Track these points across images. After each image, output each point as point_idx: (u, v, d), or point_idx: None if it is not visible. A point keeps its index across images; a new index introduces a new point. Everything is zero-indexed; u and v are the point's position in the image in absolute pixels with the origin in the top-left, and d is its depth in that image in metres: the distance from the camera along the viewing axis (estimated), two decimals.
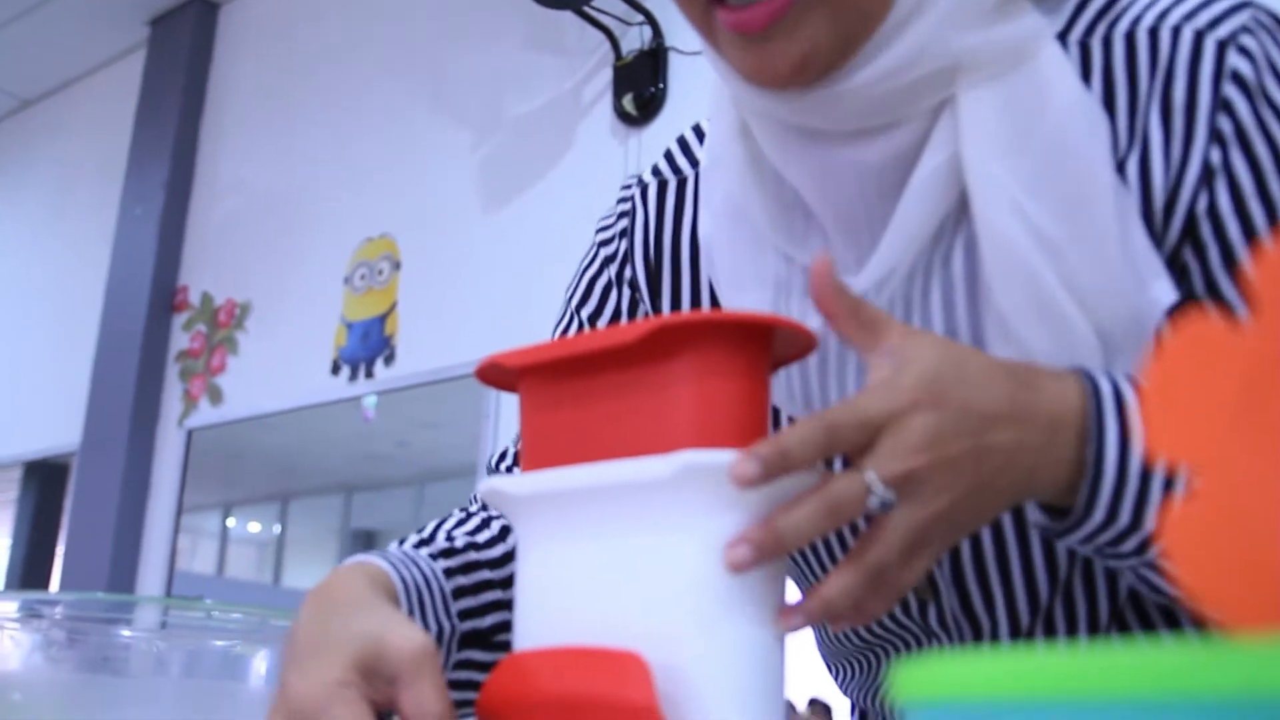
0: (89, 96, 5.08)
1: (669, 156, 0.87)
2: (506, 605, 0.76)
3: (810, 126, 0.70)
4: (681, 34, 2.99)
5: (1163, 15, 0.69)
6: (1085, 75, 0.70)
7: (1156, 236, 0.68)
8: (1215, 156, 0.67)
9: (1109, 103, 0.69)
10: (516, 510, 0.63)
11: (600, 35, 3.12)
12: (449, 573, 0.75)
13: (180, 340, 4.18)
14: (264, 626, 0.80)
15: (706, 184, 0.82)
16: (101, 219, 4.53)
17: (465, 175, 3.44)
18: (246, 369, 3.96)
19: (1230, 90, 0.67)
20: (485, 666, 0.76)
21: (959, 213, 0.69)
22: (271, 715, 0.59)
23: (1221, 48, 0.68)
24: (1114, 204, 0.66)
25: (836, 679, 0.92)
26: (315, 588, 0.67)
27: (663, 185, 0.86)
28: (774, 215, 0.75)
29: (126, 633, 0.78)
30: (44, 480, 5.07)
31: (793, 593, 0.62)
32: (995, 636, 0.75)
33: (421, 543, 0.78)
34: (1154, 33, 0.69)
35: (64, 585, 4.18)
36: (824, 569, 0.80)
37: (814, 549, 0.79)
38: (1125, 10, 0.71)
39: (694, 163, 0.85)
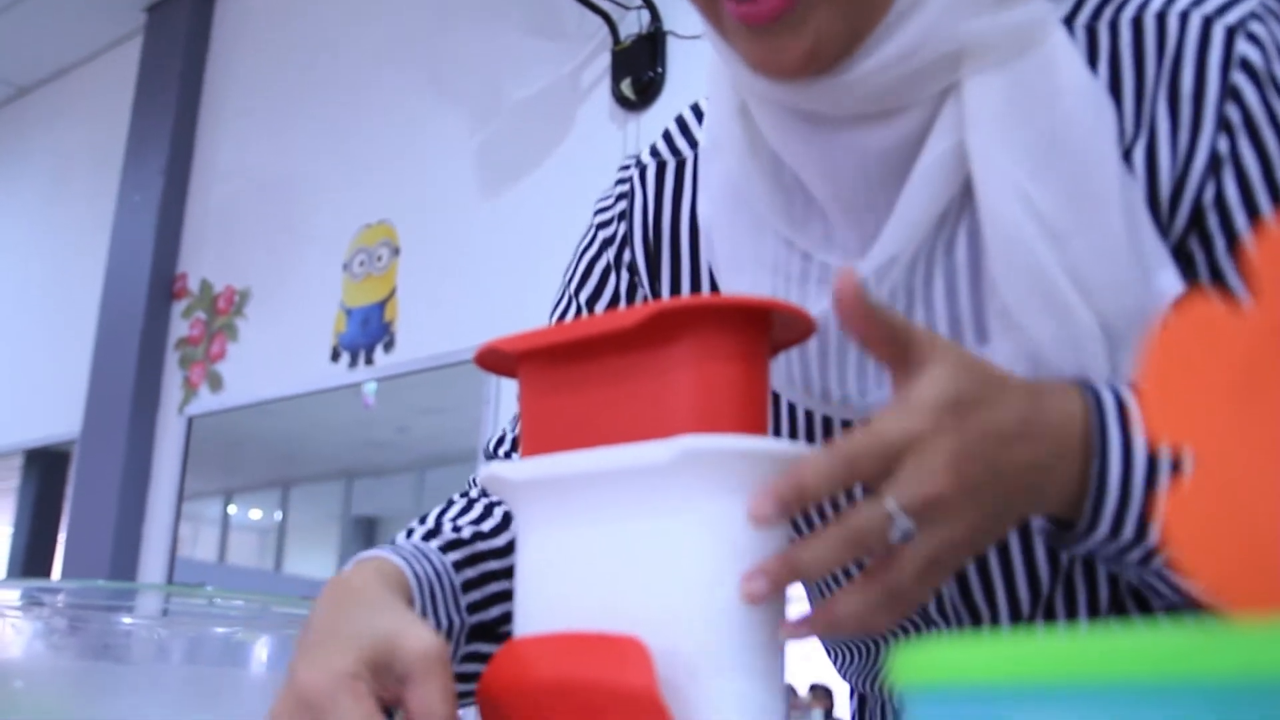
0: (86, 84, 5.06)
1: (668, 137, 0.87)
2: (511, 597, 0.76)
3: (812, 110, 0.70)
4: (680, 18, 2.98)
5: (1170, 0, 0.69)
6: (1092, 61, 0.69)
7: (1163, 226, 0.67)
8: (1223, 145, 0.66)
9: (1115, 89, 0.69)
10: (516, 496, 0.63)
11: (598, 20, 3.11)
12: (457, 565, 0.75)
13: (180, 328, 4.17)
14: (265, 613, 0.80)
15: (705, 166, 0.81)
16: (100, 207, 4.53)
17: (464, 161, 3.44)
18: (246, 356, 3.96)
19: (1239, 78, 0.66)
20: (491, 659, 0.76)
21: (963, 200, 0.69)
22: (278, 703, 0.59)
23: (1230, 34, 0.67)
24: (1120, 193, 0.65)
25: (836, 664, 0.92)
26: (330, 583, 0.67)
27: (661, 167, 0.85)
28: (773, 198, 0.74)
29: (128, 620, 0.78)
30: (45, 468, 5.08)
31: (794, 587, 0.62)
32: (995, 623, 0.75)
33: (429, 534, 0.78)
34: (1161, 18, 0.69)
35: (65, 573, 4.19)
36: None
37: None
38: None
39: (693, 144, 0.85)
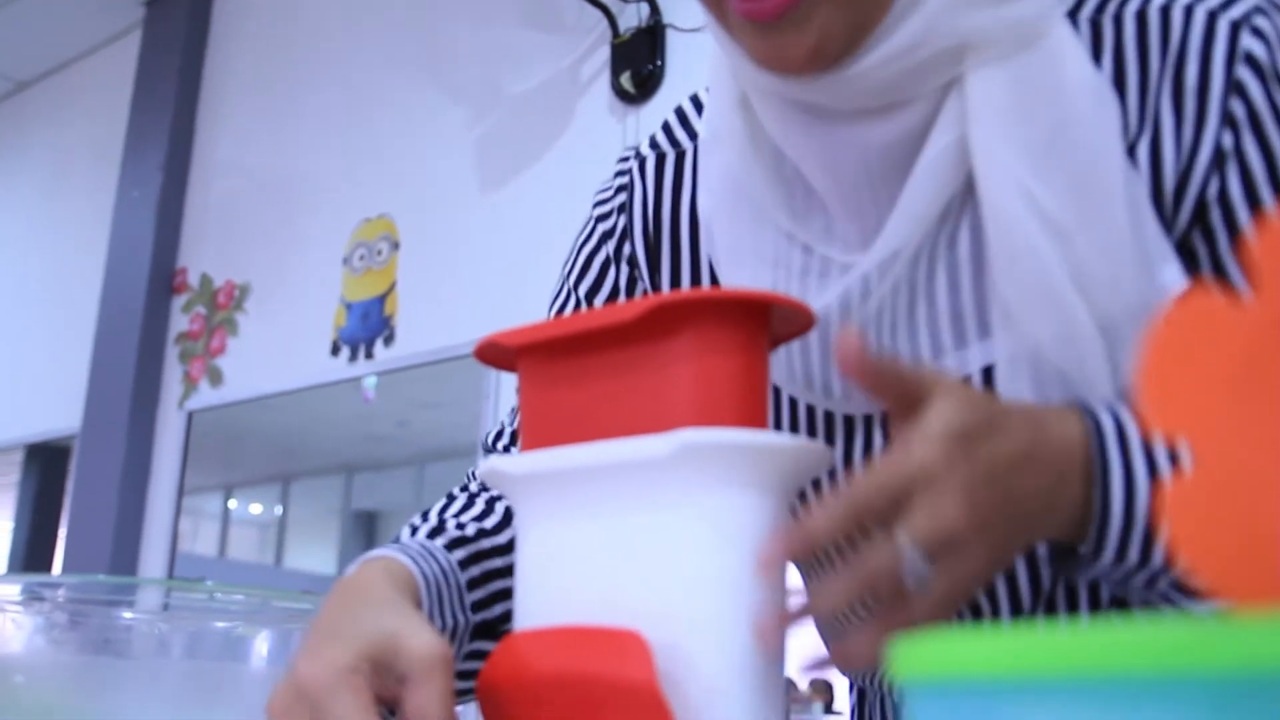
0: (85, 79, 5.06)
1: (667, 129, 0.86)
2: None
3: (814, 104, 0.70)
4: (679, 11, 2.97)
5: None
6: (1096, 54, 0.69)
7: (1166, 221, 0.67)
8: (1227, 140, 0.66)
9: (1119, 83, 0.69)
10: (516, 490, 0.63)
11: (598, 13, 3.10)
12: (462, 564, 0.75)
13: (180, 322, 4.17)
14: (266, 608, 0.80)
15: (705, 158, 0.81)
16: (99, 202, 4.52)
17: (463, 154, 3.43)
18: (246, 350, 3.95)
19: (1243, 72, 0.66)
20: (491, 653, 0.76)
21: (965, 194, 0.68)
22: (276, 694, 0.59)
23: (1235, 28, 0.67)
24: (1124, 188, 0.65)
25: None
26: (339, 581, 0.67)
27: (661, 159, 0.85)
28: (774, 191, 0.74)
29: (128, 615, 0.78)
30: (45, 463, 5.07)
31: (792, 575, 0.62)
32: (996, 618, 0.75)
33: (433, 532, 0.78)
34: (1165, 12, 0.68)
35: (66, 568, 4.19)
36: (828, 560, 0.80)
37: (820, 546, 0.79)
38: None
39: (692, 135, 0.84)
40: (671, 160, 0.84)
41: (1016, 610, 0.74)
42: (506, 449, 0.87)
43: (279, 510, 4.25)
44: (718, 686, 0.54)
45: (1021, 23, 0.66)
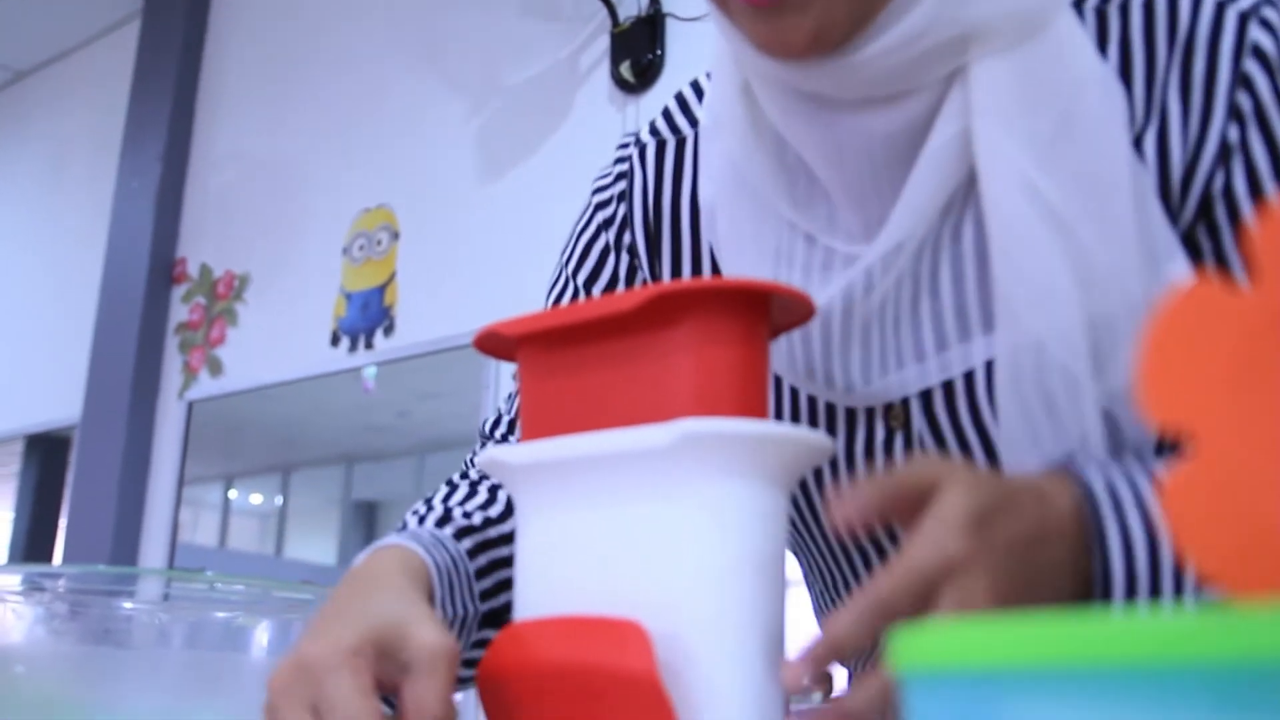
0: (84, 68, 5.05)
1: (667, 115, 0.86)
2: None
3: (817, 92, 0.69)
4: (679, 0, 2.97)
5: None
6: (1102, 44, 0.69)
7: (1172, 214, 0.66)
8: (1233, 134, 0.66)
9: (1126, 74, 0.68)
10: (516, 479, 0.63)
11: (597, 2, 3.09)
12: (469, 553, 0.75)
13: (179, 312, 4.17)
14: (266, 598, 0.80)
15: (706, 145, 0.81)
16: (98, 192, 4.52)
17: (462, 144, 3.43)
18: (246, 341, 3.95)
19: (1251, 65, 0.66)
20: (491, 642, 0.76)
21: (969, 186, 0.68)
22: (277, 671, 0.59)
23: (1243, 20, 0.66)
24: (1130, 181, 0.65)
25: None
26: (351, 568, 0.67)
27: (661, 145, 0.85)
28: (776, 179, 0.74)
29: (129, 605, 0.78)
30: (45, 454, 5.08)
31: (792, 568, 0.62)
32: None
33: (441, 520, 0.77)
34: (1173, 2, 0.68)
35: (66, 558, 4.19)
36: (828, 550, 0.80)
37: (820, 536, 0.79)
38: None
39: (693, 122, 0.84)
40: (672, 147, 0.84)
41: None
42: (505, 436, 0.87)
43: (279, 500, 4.26)
44: (717, 676, 0.54)
45: (1026, 12, 0.66)
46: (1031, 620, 0.22)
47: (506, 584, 0.76)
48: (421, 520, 0.78)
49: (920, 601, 0.52)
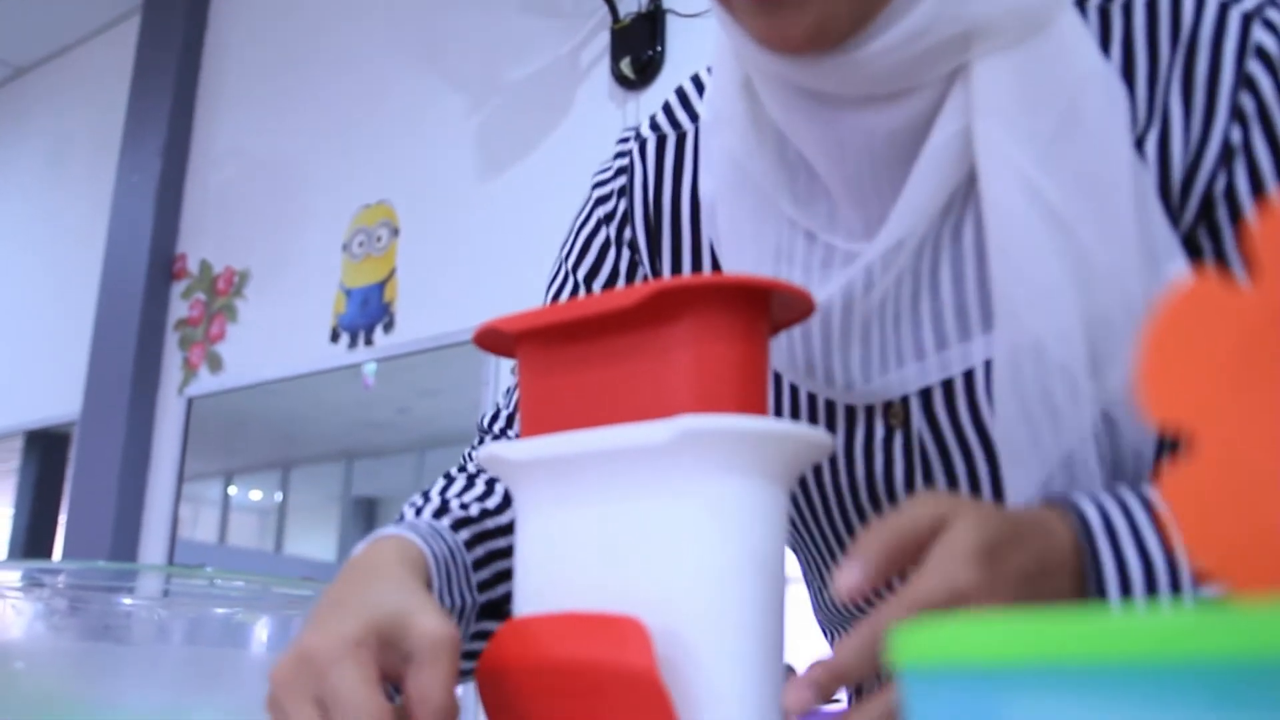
0: (84, 64, 5.04)
1: (668, 110, 0.86)
2: None
3: (819, 89, 0.69)
4: None
5: None
6: (1104, 43, 0.69)
7: (1173, 215, 0.66)
8: (1236, 136, 0.66)
9: (1128, 74, 0.68)
10: (515, 476, 0.63)
11: None
12: (467, 544, 0.75)
13: (179, 308, 4.17)
14: (266, 594, 0.80)
15: (707, 140, 0.81)
16: (98, 188, 4.51)
17: (462, 141, 3.43)
18: (246, 337, 3.95)
19: (1254, 66, 0.65)
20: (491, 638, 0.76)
21: (970, 185, 0.68)
22: (279, 663, 0.58)
23: (1246, 21, 0.66)
24: (1131, 181, 0.64)
25: (834, 645, 0.92)
26: (350, 559, 0.66)
27: (662, 141, 0.84)
28: (777, 175, 0.74)
29: (128, 601, 0.78)
30: (45, 450, 5.08)
31: (791, 565, 0.62)
32: None
33: (438, 512, 0.77)
34: (1176, 2, 0.68)
35: (66, 554, 4.19)
36: (827, 548, 0.80)
37: (820, 534, 0.79)
38: None
39: (693, 116, 0.84)
40: (672, 142, 0.84)
41: None
42: (503, 431, 0.87)
43: (279, 497, 4.26)
44: (717, 673, 0.54)
45: (1029, 10, 0.65)
46: (1031, 618, 0.22)
47: (504, 575, 0.76)
48: (419, 512, 0.78)
49: None
